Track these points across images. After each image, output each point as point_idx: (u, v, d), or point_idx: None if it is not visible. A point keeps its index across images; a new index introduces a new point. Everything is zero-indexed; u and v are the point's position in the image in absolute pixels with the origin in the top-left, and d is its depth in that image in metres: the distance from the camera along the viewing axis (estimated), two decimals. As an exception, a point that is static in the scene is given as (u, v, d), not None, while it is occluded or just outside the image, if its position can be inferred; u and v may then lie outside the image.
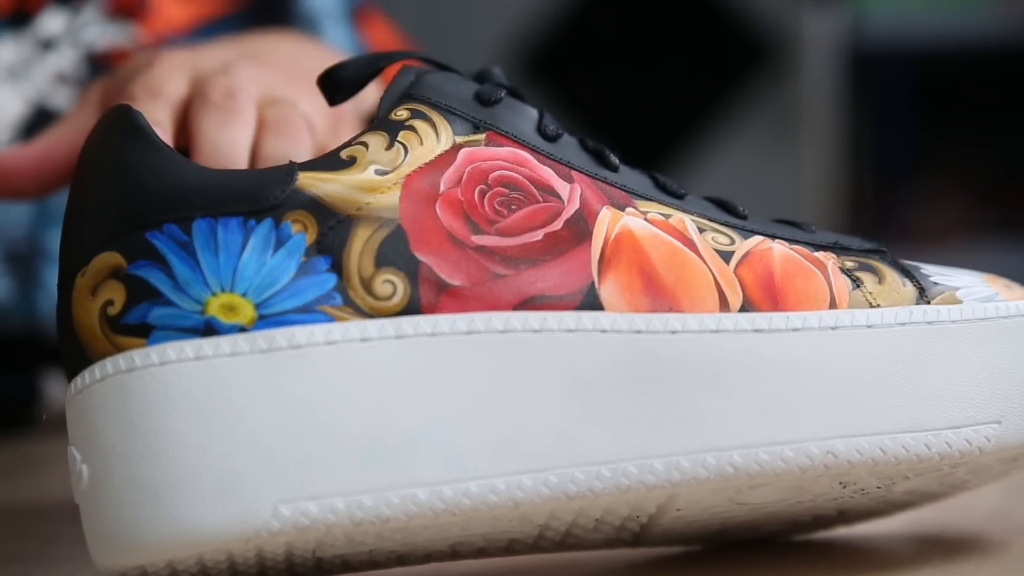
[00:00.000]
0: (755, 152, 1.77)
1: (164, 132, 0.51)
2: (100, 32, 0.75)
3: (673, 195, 0.48)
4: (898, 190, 1.92)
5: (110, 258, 0.44)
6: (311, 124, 0.54)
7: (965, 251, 1.83)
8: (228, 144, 0.51)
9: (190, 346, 0.43)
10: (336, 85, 0.49)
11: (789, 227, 0.49)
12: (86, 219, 0.45)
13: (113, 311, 0.43)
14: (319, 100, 0.54)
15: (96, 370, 0.43)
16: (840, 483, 0.45)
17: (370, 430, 0.42)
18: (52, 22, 0.74)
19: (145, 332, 0.43)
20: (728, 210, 0.48)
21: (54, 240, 0.78)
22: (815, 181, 1.77)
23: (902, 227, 1.89)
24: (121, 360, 0.43)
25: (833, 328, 0.45)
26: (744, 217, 0.48)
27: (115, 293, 0.43)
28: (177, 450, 0.42)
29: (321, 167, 0.45)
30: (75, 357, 0.44)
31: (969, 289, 0.47)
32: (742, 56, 1.79)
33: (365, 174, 0.45)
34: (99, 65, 0.75)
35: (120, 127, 0.46)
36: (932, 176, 1.93)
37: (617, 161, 0.48)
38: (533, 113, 0.48)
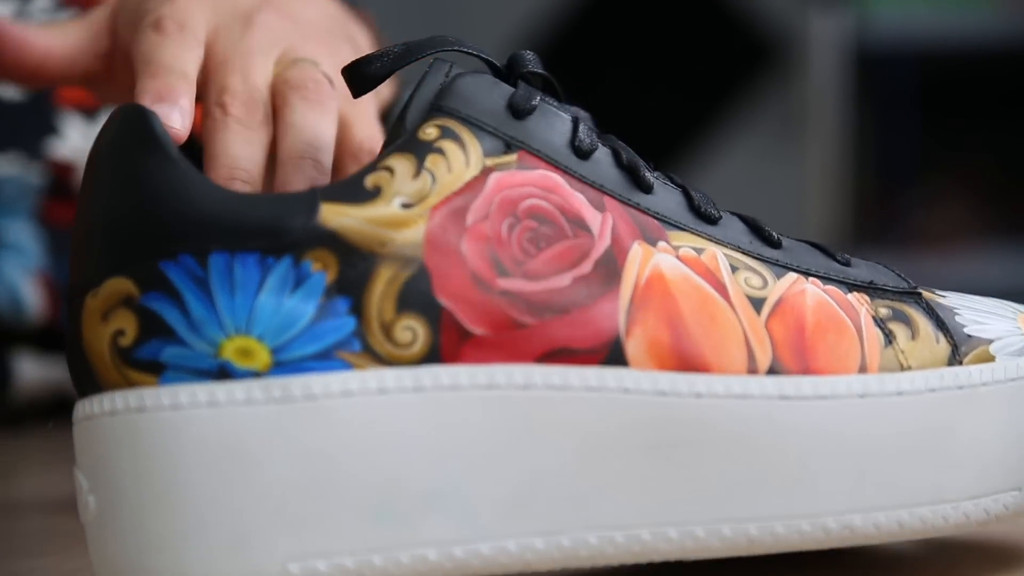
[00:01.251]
0: (760, 152, 1.76)
1: (189, 86, 0.49)
2: None
3: (707, 219, 0.46)
4: (903, 191, 1.91)
5: (122, 284, 0.42)
6: (333, 84, 0.52)
7: (969, 253, 1.82)
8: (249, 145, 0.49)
9: (203, 391, 0.42)
10: (363, 79, 0.47)
11: (822, 256, 0.47)
12: (98, 235, 0.43)
13: (124, 342, 0.42)
14: (335, 55, 0.52)
15: (106, 401, 0.42)
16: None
17: (383, 486, 0.42)
18: None
19: (157, 370, 0.42)
20: (761, 236, 0.47)
21: (7, 230, 0.76)
22: (820, 182, 1.75)
23: (907, 228, 1.88)
24: (132, 398, 0.42)
25: (862, 396, 0.44)
26: (777, 244, 0.47)
27: (127, 323, 0.42)
28: (187, 499, 0.41)
29: (345, 197, 0.43)
30: (84, 377, 0.43)
31: (1003, 341, 0.46)
32: (747, 57, 1.76)
33: (390, 207, 0.43)
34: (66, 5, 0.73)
35: (135, 133, 0.43)
36: (937, 178, 1.92)
37: (652, 180, 0.46)
38: (567, 123, 0.46)
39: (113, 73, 0.54)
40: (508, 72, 0.48)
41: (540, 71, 0.48)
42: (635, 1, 1.79)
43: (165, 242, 0.42)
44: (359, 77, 0.47)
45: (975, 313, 0.47)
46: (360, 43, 0.58)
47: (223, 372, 0.42)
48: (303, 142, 0.48)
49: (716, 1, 1.78)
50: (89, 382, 0.43)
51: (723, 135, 1.75)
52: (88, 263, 0.43)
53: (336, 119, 0.51)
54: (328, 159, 0.49)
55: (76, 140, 0.76)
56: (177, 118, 0.47)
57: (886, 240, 1.86)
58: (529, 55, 0.49)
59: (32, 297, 0.73)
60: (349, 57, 0.55)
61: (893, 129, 1.87)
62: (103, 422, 0.42)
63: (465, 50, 0.47)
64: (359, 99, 0.54)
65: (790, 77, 1.75)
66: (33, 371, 0.76)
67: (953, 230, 1.86)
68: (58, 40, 0.54)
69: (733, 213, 0.47)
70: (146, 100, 0.47)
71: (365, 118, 0.54)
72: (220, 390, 0.42)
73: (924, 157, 1.90)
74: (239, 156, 0.47)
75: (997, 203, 1.89)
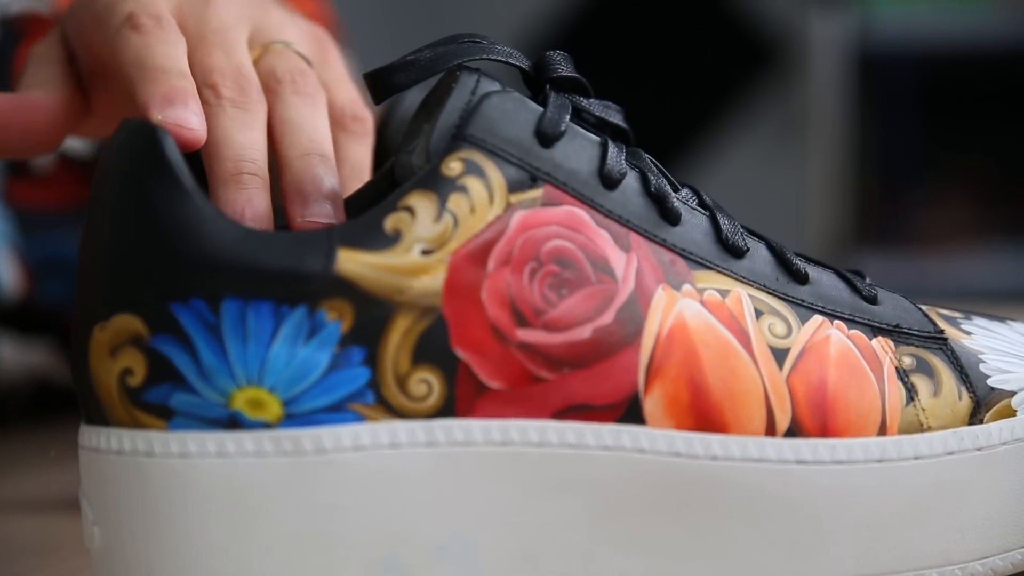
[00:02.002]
0: (762, 154, 1.71)
1: (191, 84, 0.46)
2: None
3: (734, 252, 0.45)
4: (904, 193, 1.88)
5: (131, 323, 0.41)
6: (307, 60, 0.50)
7: (971, 253, 1.80)
8: (246, 142, 0.46)
9: (212, 440, 0.41)
10: (385, 89, 0.45)
11: (847, 290, 0.46)
12: (108, 262, 0.42)
13: (133, 382, 0.41)
14: (296, 24, 0.50)
15: (114, 439, 0.42)
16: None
17: (392, 541, 0.41)
18: None
19: (166, 415, 0.41)
20: (788, 269, 0.45)
21: None
22: (821, 183, 1.71)
23: (908, 230, 1.85)
24: (140, 440, 0.41)
25: (879, 461, 0.43)
26: (804, 279, 0.45)
27: (136, 363, 0.41)
28: (193, 546, 0.41)
29: (363, 243, 0.41)
30: (90, 405, 0.42)
31: (1025, 393, 0.45)
32: (749, 58, 1.70)
33: (410, 256, 0.41)
34: (12, 31, 0.68)
35: (146, 158, 0.42)
36: (938, 180, 1.89)
37: (679, 210, 0.45)
38: (595, 147, 0.44)
39: (89, 94, 0.50)
40: (536, 77, 0.46)
41: (570, 74, 0.46)
42: (636, 2, 1.75)
43: (177, 283, 0.41)
44: (381, 87, 0.45)
45: (1000, 357, 0.46)
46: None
47: (233, 422, 0.41)
48: (307, 139, 0.46)
49: (717, 2, 1.75)
50: (96, 411, 0.42)
51: (725, 137, 1.73)
52: (97, 291, 0.42)
53: (326, 110, 0.49)
54: (330, 152, 0.47)
55: None
56: (194, 119, 0.44)
57: (888, 241, 1.86)
58: (558, 57, 0.46)
59: (5, 274, 0.71)
60: (302, 23, 0.52)
61: (894, 130, 1.87)
62: (111, 459, 0.42)
63: (494, 58, 0.45)
64: (330, 62, 0.51)
65: (791, 78, 1.72)
66: (12, 355, 0.75)
67: (954, 231, 1.86)
68: (50, 100, 0.49)
69: (758, 238, 0.46)
70: (155, 107, 0.44)
71: (342, 83, 0.52)
72: (230, 440, 0.41)
73: (925, 158, 1.91)
74: (243, 145, 0.45)
75: (998, 204, 1.91)
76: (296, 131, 0.47)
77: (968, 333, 0.47)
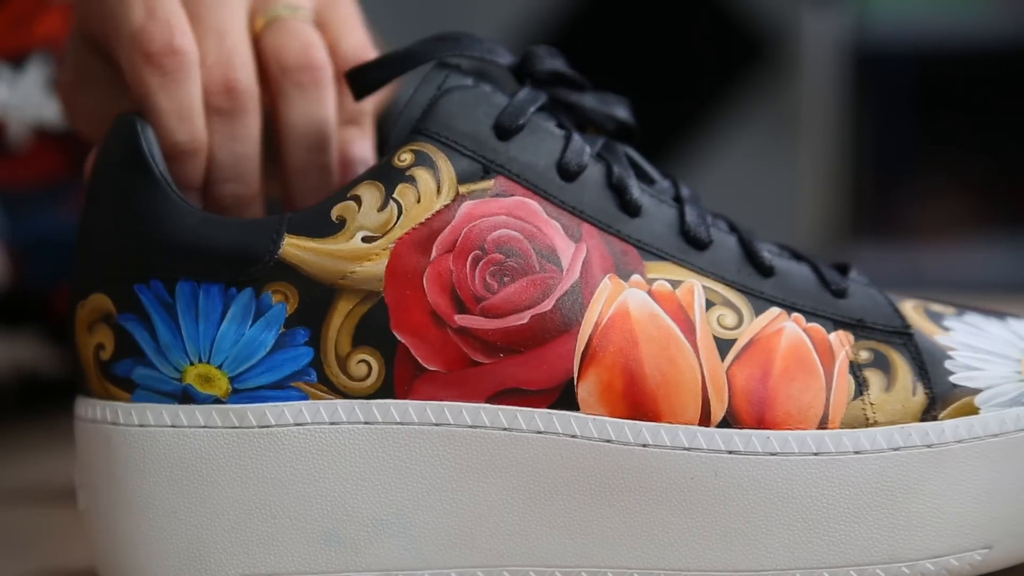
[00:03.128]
0: (756, 150, 1.66)
1: (194, 136, 0.47)
2: None
3: (695, 244, 0.45)
4: (899, 188, 1.83)
5: (103, 301, 0.45)
6: (313, 19, 0.49)
7: (965, 247, 1.74)
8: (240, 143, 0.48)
9: (167, 412, 0.44)
10: (367, 85, 0.47)
11: (816, 284, 0.45)
12: (90, 250, 0.45)
13: (104, 356, 0.45)
14: None
15: (90, 408, 0.45)
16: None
17: (332, 513, 0.44)
18: None
19: (130, 387, 0.44)
20: (754, 262, 0.45)
21: None
22: (814, 181, 1.65)
23: (901, 227, 1.80)
24: (108, 411, 0.45)
25: (815, 454, 0.43)
26: (769, 272, 0.45)
27: (106, 338, 0.45)
28: (151, 511, 0.44)
29: (308, 231, 0.44)
30: (79, 378, 0.46)
31: (994, 391, 0.44)
32: (743, 54, 1.65)
33: (352, 242, 0.44)
34: None
35: (124, 152, 0.45)
36: (932, 174, 1.83)
37: (640, 202, 0.45)
38: (557, 140, 0.45)
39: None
40: (519, 72, 0.47)
41: (555, 68, 0.47)
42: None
43: (140, 265, 0.44)
44: (362, 83, 0.47)
45: (975, 355, 0.45)
46: None
47: (186, 396, 0.44)
48: (304, 148, 0.48)
49: (710, -2, 1.72)
50: (82, 383, 0.46)
51: (719, 132, 1.69)
52: (80, 273, 0.45)
53: (333, 93, 0.49)
54: (332, 153, 0.48)
55: (1, 93, 0.68)
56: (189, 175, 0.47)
57: (882, 235, 1.81)
58: (543, 51, 0.48)
59: None
60: None
61: (889, 126, 1.82)
62: (88, 427, 0.45)
63: (473, 54, 0.47)
64: (338, 4, 0.50)
65: (786, 74, 1.67)
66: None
67: (948, 225, 1.80)
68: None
69: (733, 230, 0.46)
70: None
71: (350, 25, 0.50)
72: (182, 412, 0.44)
73: (919, 153, 1.85)
74: (225, 165, 0.46)
75: (992, 198, 1.86)
76: (296, 139, 0.47)
77: (947, 329, 0.46)
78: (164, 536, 0.44)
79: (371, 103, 0.50)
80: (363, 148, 0.51)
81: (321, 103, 0.49)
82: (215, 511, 0.44)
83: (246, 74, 0.47)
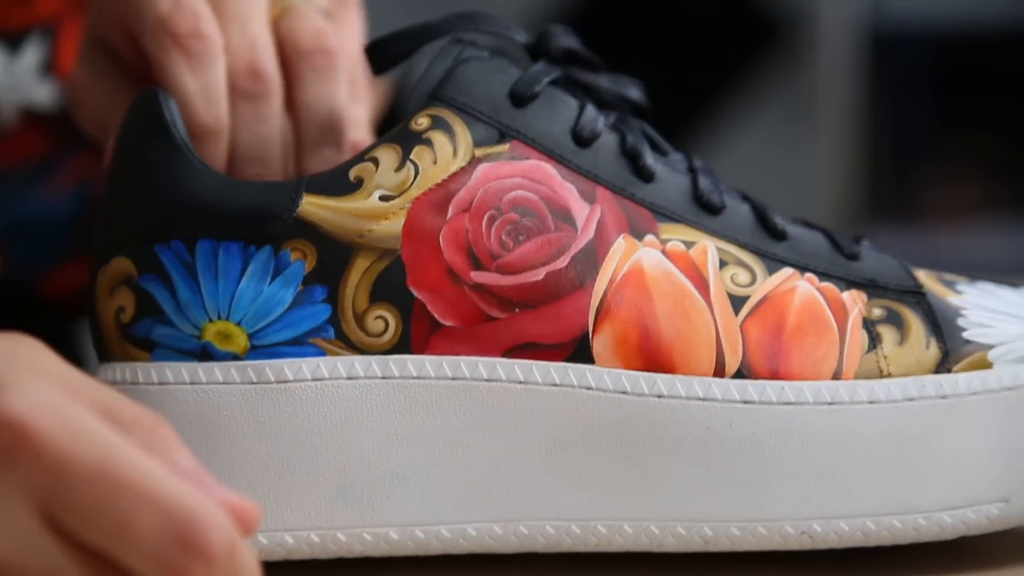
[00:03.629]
0: (771, 134, 1.69)
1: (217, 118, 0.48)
2: None
3: (709, 209, 0.46)
4: (914, 172, 1.86)
5: (124, 264, 0.45)
6: (331, 17, 0.51)
7: (980, 230, 1.77)
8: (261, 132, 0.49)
9: (186, 369, 0.44)
10: (384, 60, 0.48)
11: (830, 248, 0.46)
12: (112, 215, 0.46)
13: (124, 318, 0.45)
14: None
15: (110, 372, 0.46)
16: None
17: (348, 468, 0.44)
18: None
19: (149, 347, 0.45)
20: (767, 226, 0.46)
21: None
22: (831, 164, 1.68)
23: (918, 209, 1.83)
24: (128, 371, 0.45)
25: (830, 403, 0.43)
26: (782, 236, 0.46)
27: (126, 301, 0.45)
28: (170, 469, 0.44)
29: (327, 190, 0.44)
30: (98, 345, 0.47)
31: (1006, 347, 0.44)
32: (758, 37, 1.68)
33: (369, 201, 0.44)
34: None
35: (147, 120, 0.46)
36: (949, 158, 1.86)
37: (653, 168, 0.46)
38: (572, 109, 0.46)
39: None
40: (535, 50, 0.48)
41: (569, 47, 0.48)
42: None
43: (161, 228, 0.45)
44: (380, 58, 0.48)
45: (987, 314, 0.45)
46: None
47: (205, 353, 0.44)
48: (318, 129, 0.49)
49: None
50: (102, 349, 0.46)
51: (735, 115, 1.70)
52: (101, 240, 0.46)
53: (346, 77, 0.50)
54: (344, 134, 0.49)
55: None
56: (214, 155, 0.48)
57: (898, 217, 1.82)
58: (559, 30, 0.49)
59: None
60: None
61: (905, 108, 1.84)
62: (107, 391, 0.46)
63: (486, 29, 0.48)
64: (345, 20, 0.52)
65: (802, 56, 1.69)
66: None
67: (964, 207, 1.82)
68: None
69: (746, 199, 0.47)
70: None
71: (353, 32, 0.52)
72: (201, 370, 0.44)
73: (936, 136, 1.87)
74: (249, 143, 0.48)
75: (1008, 181, 1.88)
76: (310, 116, 0.49)
77: (959, 292, 0.46)
78: (182, 494, 0.44)
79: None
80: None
81: (334, 86, 0.50)
82: (232, 467, 0.44)
83: (269, 59, 0.49)
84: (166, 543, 0.34)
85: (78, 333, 0.70)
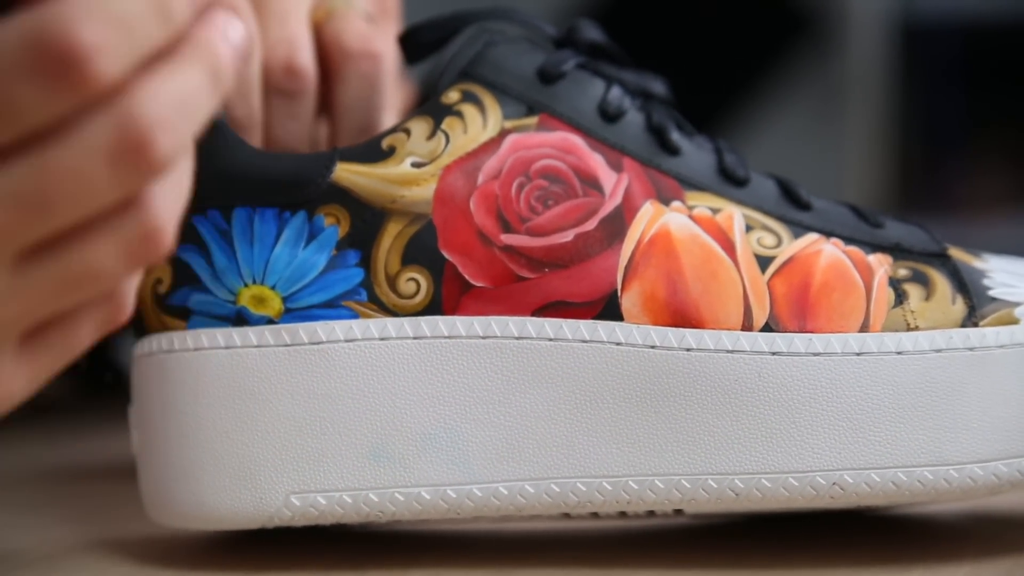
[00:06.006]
0: (802, 126, 1.72)
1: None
2: None
3: (735, 181, 0.47)
4: (946, 163, 1.88)
5: (162, 237, 0.46)
6: (373, 19, 0.52)
7: (1013, 224, 1.78)
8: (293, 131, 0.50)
9: (221, 334, 0.45)
10: (417, 48, 0.49)
11: (855, 218, 0.47)
12: (148, 192, 0.47)
13: (161, 289, 0.46)
14: None
15: (146, 344, 0.46)
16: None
17: (381, 428, 0.44)
18: None
19: (185, 315, 0.46)
20: (792, 198, 0.47)
21: None
22: (862, 155, 1.71)
23: (950, 201, 1.85)
24: (163, 340, 0.46)
25: (858, 354, 0.44)
26: (807, 207, 0.47)
27: (164, 272, 0.46)
28: (204, 434, 0.45)
29: (360, 158, 0.45)
30: (136, 321, 0.47)
31: (1033, 304, 0.45)
32: (789, 28, 1.72)
33: (401, 167, 0.45)
34: None
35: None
36: (981, 150, 1.88)
37: (679, 144, 0.47)
38: (598, 88, 0.47)
39: None
40: (562, 43, 0.50)
41: (595, 40, 0.50)
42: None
43: (198, 198, 0.45)
44: (414, 46, 0.50)
45: (1011, 277, 0.46)
46: None
47: (240, 318, 0.45)
48: (356, 128, 0.50)
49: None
50: (139, 325, 0.47)
51: (767, 106, 1.71)
52: (141, 219, 0.47)
53: (388, 83, 0.52)
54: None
55: None
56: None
57: (929, 212, 1.81)
58: (587, 24, 0.50)
59: None
60: None
61: (936, 100, 1.82)
62: (143, 362, 0.46)
63: (519, 19, 0.49)
64: (391, 16, 0.54)
65: (833, 47, 1.70)
66: None
67: (996, 199, 1.80)
68: None
69: (771, 176, 0.48)
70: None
71: (390, 38, 0.53)
72: (236, 334, 0.45)
73: (968, 127, 1.85)
74: (279, 139, 0.49)
75: None
76: (348, 116, 0.50)
77: (984, 259, 0.47)
78: (216, 457, 0.45)
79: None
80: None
81: (376, 90, 0.51)
82: (266, 429, 0.44)
83: (307, 56, 0.51)
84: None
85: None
